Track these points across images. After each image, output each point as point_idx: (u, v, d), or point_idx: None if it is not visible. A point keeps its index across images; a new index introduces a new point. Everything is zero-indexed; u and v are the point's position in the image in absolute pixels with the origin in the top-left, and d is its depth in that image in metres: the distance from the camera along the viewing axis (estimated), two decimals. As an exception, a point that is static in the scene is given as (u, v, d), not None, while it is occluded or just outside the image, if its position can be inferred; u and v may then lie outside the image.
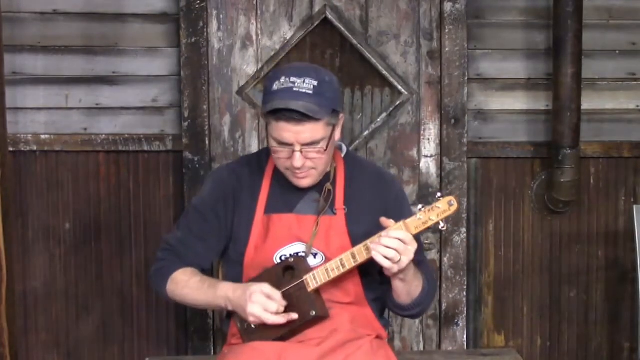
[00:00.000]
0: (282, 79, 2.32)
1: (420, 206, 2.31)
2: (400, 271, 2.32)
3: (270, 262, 2.43)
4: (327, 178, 2.46)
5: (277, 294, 2.32)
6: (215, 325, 3.64)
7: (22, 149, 3.53)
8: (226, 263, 2.57)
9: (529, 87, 3.65)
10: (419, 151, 3.66)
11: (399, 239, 2.26)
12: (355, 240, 2.38)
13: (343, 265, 2.34)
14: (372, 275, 2.47)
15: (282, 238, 2.43)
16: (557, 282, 3.75)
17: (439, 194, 2.31)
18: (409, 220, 2.29)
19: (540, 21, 3.62)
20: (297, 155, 2.33)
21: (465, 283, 3.68)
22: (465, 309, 3.69)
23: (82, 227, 3.59)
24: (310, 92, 2.29)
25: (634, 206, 3.29)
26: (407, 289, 2.41)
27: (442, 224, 2.30)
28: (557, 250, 3.74)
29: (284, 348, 2.33)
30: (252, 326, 2.39)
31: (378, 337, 2.49)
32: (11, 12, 3.46)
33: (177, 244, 2.51)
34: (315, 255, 2.43)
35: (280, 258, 2.43)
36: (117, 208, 3.59)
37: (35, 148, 3.54)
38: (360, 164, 2.58)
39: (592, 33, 3.59)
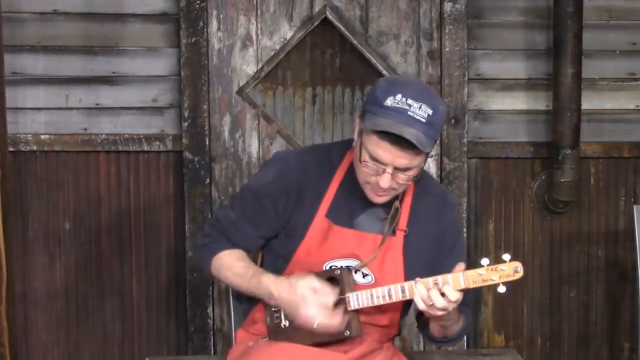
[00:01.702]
0: (398, 97, 2.17)
1: (485, 260, 2.18)
2: (439, 318, 2.26)
3: (319, 268, 2.35)
4: (396, 195, 2.36)
5: (325, 286, 2.21)
6: (215, 325, 3.64)
7: (22, 149, 3.53)
8: (269, 252, 2.48)
9: (529, 87, 3.65)
10: (419, 151, 3.65)
11: (449, 300, 2.16)
12: (408, 265, 2.33)
13: (390, 297, 2.25)
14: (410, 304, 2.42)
15: (338, 251, 2.35)
16: (557, 282, 3.75)
17: (507, 256, 2.17)
18: (469, 273, 2.17)
19: (540, 21, 3.62)
20: (387, 176, 2.22)
21: (465, 283, 3.68)
22: (465, 309, 3.69)
23: (82, 227, 3.59)
24: (424, 120, 2.16)
25: (634, 206, 3.28)
26: (444, 331, 2.38)
27: (502, 288, 2.17)
28: (557, 250, 3.74)
29: (313, 352, 2.28)
30: (282, 325, 2.34)
31: (392, 344, 2.51)
32: (11, 12, 3.46)
33: (228, 225, 2.42)
34: (365, 276, 2.36)
35: (330, 267, 2.35)
36: (117, 208, 3.59)
37: (35, 148, 3.54)
38: (428, 185, 2.47)
39: (592, 33, 3.59)
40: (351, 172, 2.35)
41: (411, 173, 2.24)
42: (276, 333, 2.35)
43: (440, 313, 2.19)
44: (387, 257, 2.36)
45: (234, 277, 2.39)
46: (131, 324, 3.64)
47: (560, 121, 3.52)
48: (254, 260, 2.50)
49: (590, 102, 3.64)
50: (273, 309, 2.36)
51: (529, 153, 3.67)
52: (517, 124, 3.67)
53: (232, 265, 2.39)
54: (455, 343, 2.51)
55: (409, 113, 2.16)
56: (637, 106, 3.70)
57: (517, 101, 3.66)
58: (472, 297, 2.50)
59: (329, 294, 2.21)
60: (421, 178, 2.43)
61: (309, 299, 2.20)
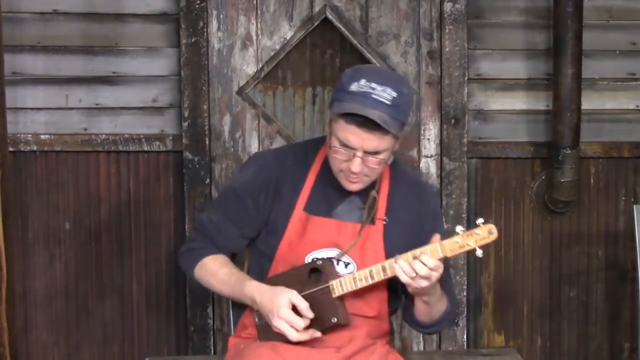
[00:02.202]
0: (362, 82, 2.25)
1: (459, 228, 2.25)
2: (423, 292, 2.31)
3: (302, 261, 2.39)
4: (372, 185, 2.41)
5: (304, 305, 2.28)
6: (215, 325, 3.64)
7: (22, 149, 3.53)
8: (254, 253, 2.52)
9: (529, 87, 3.65)
10: (419, 151, 3.66)
11: (429, 267, 2.22)
12: (389, 253, 2.35)
13: (372, 277, 2.29)
14: (396, 289, 2.46)
15: (319, 241, 2.40)
16: (557, 282, 3.75)
17: (480, 220, 2.25)
18: (446, 242, 2.24)
19: (540, 21, 3.62)
20: (358, 160, 2.28)
21: (465, 283, 3.68)
22: (465, 309, 3.69)
23: (82, 227, 3.59)
24: (388, 102, 2.23)
25: (634, 206, 3.29)
26: (429, 311, 2.41)
27: (479, 251, 2.24)
28: (557, 250, 3.74)
29: (304, 352, 2.30)
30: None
31: (386, 342, 2.52)
32: (11, 12, 3.46)
33: (211, 227, 2.47)
34: (347, 265, 2.39)
35: (313, 259, 2.39)
36: (117, 208, 3.59)
37: (35, 148, 3.54)
38: (404, 174, 2.53)
39: (592, 33, 3.59)
40: (327, 165, 2.40)
41: (381, 156, 2.30)
42: (265, 331, 2.37)
43: (424, 283, 2.23)
44: (368, 245, 2.39)
45: (218, 283, 2.44)
46: (131, 324, 3.64)
47: (560, 121, 3.52)
48: (243, 263, 2.53)
49: (590, 102, 3.64)
50: None
51: (529, 153, 3.67)
52: (517, 124, 3.67)
53: (216, 272, 2.43)
54: (443, 327, 2.55)
55: (373, 96, 2.23)
56: (637, 106, 3.70)
57: (517, 101, 3.66)
58: (452, 274, 2.53)
59: (300, 320, 2.27)
60: (397, 167, 2.50)
61: (281, 314, 2.27)
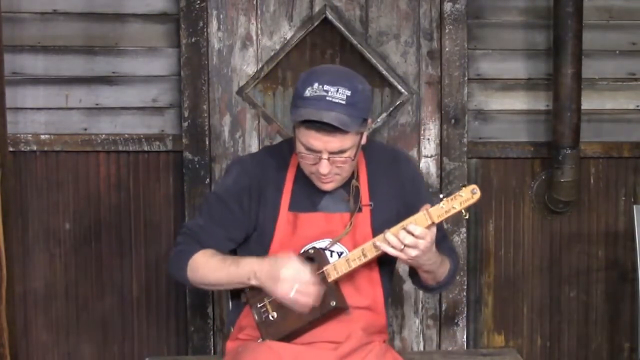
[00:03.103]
0: (315, 85, 2.29)
1: (442, 195, 2.33)
2: (417, 264, 2.35)
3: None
4: (352, 175, 2.46)
5: (303, 265, 2.32)
6: (215, 325, 3.64)
7: (22, 149, 3.53)
8: (246, 255, 2.52)
9: (529, 87, 3.65)
10: (419, 151, 3.66)
11: (415, 235, 2.26)
12: (379, 234, 2.38)
13: (364, 255, 2.34)
14: (389, 277, 2.50)
15: (310, 235, 2.43)
16: (557, 282, 3.75)
17: (461, 185, 2.31)
18: (432, 209, 2.29)
19: (540, 21, 3.62)
20: (324, 162, 2.33)
21: (465, 283, 3.68)
22: (465, 309, 3.69)
23: (82, 227, 3.59)
24: (343, 102, 2.28)
25: (634, 206, 3.29)
26: (433, 276, 2.46)
27: (464, 213, 2.30)
28: (557, 250, 3.74)
29: (301, 351, 2.32)
30: (270, 317, 2.38)
31: (384, 341, 2.52)
32: (11, 12, 3.46)
33: (197, 230, 2.48)
34: (340, 255, 2.42)
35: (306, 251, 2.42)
36: (117, 208, 3.59)
37: (35, 148, 3.54)
38: (377, 151, 2.57)
39: (592, 33, 3.59)
40: None
41: (347, 155, 2.34)
42: (267, 327, 2.39)
43: (413, 253, 2.28)
44: (358, 233, 2.44)
45: (211, 272, 2.44)
46: (131, 324, 3.64)
47: (560, 121, 3.52)
48: None
49: (590, 102, 3.63)
50: (259, 305, 2.41)
51: (529, 153, 3.67)
52: (517, 124, 3.67)
53: (208, 262, 2.44)
54: (450, 286, 2.61)
55: (327, 98, 2.28)
56: (637, 106, 3.70)
57: (517, 101, 3.66)
58: (447, 235, 2.61)
59: (306, 271, 2.31)
60: (369, 146, 2.52)
61: (286, 273, 2.30)
